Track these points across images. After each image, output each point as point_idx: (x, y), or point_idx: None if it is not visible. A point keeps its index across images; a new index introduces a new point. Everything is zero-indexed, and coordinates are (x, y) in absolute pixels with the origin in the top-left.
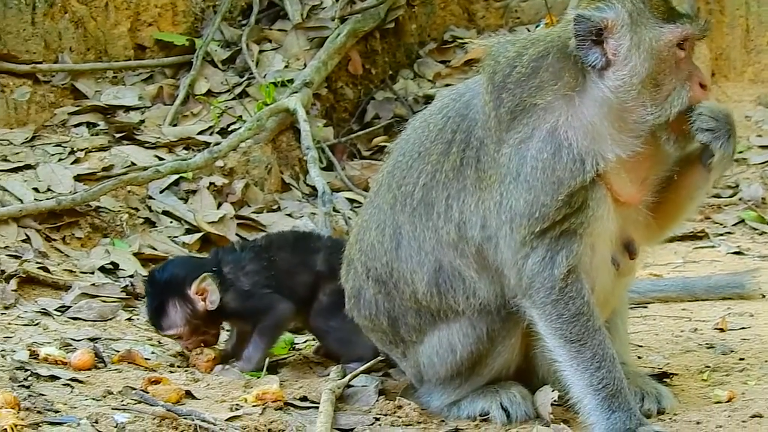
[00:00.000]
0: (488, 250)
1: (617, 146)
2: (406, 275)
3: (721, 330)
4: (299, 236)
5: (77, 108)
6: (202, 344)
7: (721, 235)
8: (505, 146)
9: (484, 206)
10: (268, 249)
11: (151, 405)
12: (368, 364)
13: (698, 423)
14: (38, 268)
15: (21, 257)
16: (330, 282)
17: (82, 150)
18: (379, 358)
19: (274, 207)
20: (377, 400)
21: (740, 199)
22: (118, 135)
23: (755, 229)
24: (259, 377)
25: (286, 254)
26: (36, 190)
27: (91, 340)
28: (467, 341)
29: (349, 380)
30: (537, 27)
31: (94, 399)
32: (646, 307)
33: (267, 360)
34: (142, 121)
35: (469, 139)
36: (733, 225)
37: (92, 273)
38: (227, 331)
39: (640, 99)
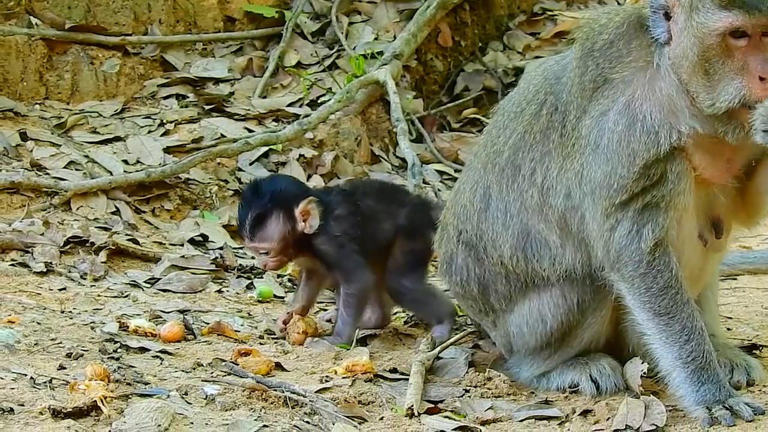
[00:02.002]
0: (572, 219)
1: (694, 120)
2: (493, 238)
3: None
4: (386, 186)
5: (167, 80)
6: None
7: None
8: (586, 117)
9: (566, 176)
10: (353, 194)
11: (241, 377)
12: (458, 336)
13: None
14: (128, 240)
15: (110, 229)
16: (408, 240)
17: (171, 122)
18: (469, 330)
19: (364, 179)
20: (467, 372)
21: None
22: (207, 107)
23: None
24: (348, 349)
25: (371, 201)
26: (125, 162)
27: (181, 312)
28: (558, 311)
29: (439, 352)
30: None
31: (183, 371)
32: (735, 279)
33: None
34: (232, 93)
35: (557, 102)
36: None
37: (182, 245)
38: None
39: (693, 84)
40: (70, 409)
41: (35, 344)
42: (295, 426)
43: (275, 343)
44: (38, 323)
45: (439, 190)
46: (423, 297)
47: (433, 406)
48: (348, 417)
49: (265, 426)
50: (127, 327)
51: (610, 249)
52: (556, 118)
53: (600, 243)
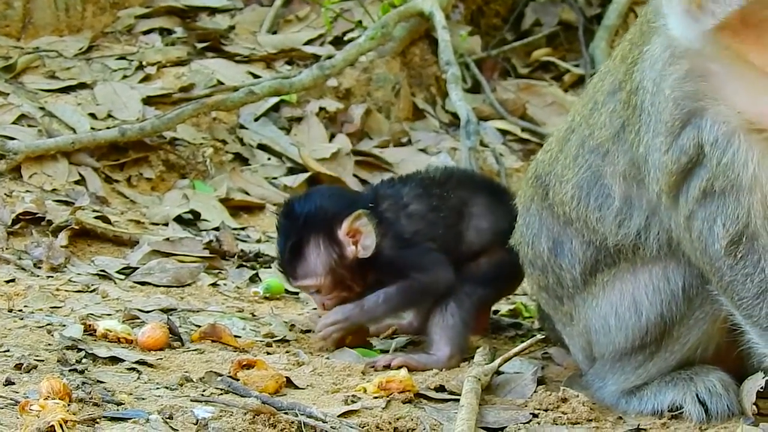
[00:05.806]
0: (644, 195)
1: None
2: (562, 171)
3: None
4: (496, 185)
5: (147, 10)
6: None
7: None
8: (641, 60)
9: (629, 138)
10: (444, 183)
11: (242, 396)
12: (524, 345)
13: None
14: (95, 218)
15: (73, 204)
16: (503, 250)
17: (153, 64)
18: (538, 336)
19: (403, 140)
20: (535, 391)
21: None
22: (200, 45)
23: None
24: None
25: (464, 192)
26: (93, 116)
27: (164, 311)
28: (657, 298)
29: (500, 365)
30: None
31: (167, 388)
32: None
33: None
34: (232, 27)
35: (636, 30)
36: None
37: (166, 224)
38: None
39: None
40: None
41: None
42: None
43: (287, 352)
44: None
45: (501, 154)
46: (461, 322)
47: None
48: None
49: None
50: (95, 330)
51: (697, 257)
52: (624, 47)
53: (690, 251)
